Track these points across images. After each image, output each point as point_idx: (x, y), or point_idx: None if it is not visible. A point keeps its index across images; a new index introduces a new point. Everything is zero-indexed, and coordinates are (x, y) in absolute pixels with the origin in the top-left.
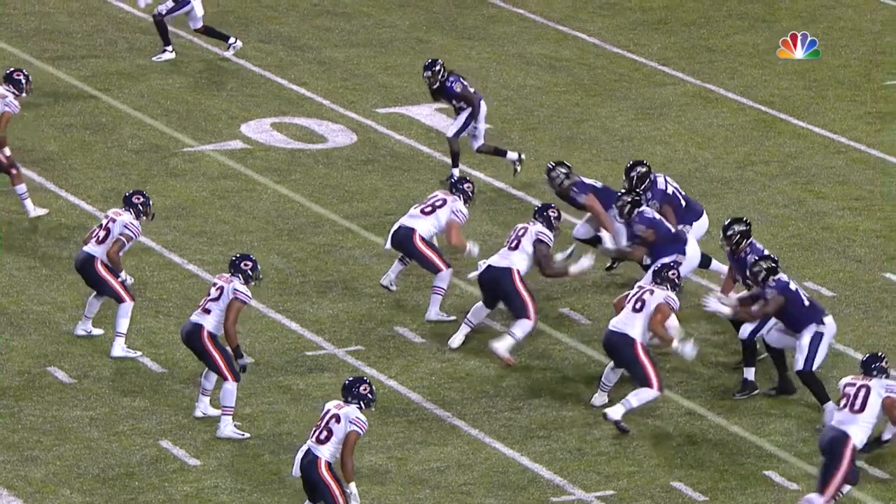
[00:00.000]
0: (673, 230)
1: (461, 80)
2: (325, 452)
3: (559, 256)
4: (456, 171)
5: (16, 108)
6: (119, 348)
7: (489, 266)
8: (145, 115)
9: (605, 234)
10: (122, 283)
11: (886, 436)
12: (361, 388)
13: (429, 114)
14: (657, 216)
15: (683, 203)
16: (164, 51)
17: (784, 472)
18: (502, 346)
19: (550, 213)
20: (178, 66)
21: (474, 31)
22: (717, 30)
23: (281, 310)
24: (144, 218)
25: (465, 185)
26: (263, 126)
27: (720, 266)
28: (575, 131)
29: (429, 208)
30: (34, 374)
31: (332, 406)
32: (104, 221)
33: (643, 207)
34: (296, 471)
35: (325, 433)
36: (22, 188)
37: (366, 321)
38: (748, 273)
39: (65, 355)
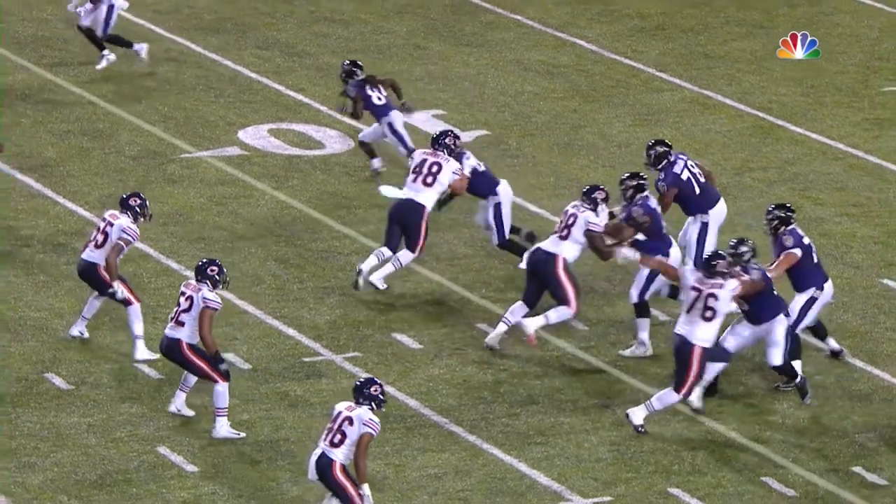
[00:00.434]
0: (664, 228)
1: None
2: (340, 455)
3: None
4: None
5: None
6: (142, 351)
7: (538, 248)
8: (143, 121)
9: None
10: (128, 285)
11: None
12: (372, 388)
13: (426, 119)
14: (658, 208)
15: (698, 190)
16: (102, 56)
17: (781, 479)
18: (532, 323)
19: (598, 196)
20: (175, 73)
21: (472, 37)
22: (714, 36)
23: (278, 316)
24: (142, 220)
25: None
26: (261, 132)
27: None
28: (573, 137)
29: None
30: (31, 381)
31: (343, 408)
32: (101, 225)
33: (646, 193)
34: (311, 475)
35: (338, 436)
36: None
37: (363, 327)
38: (765, 225)
39: (62, 361)
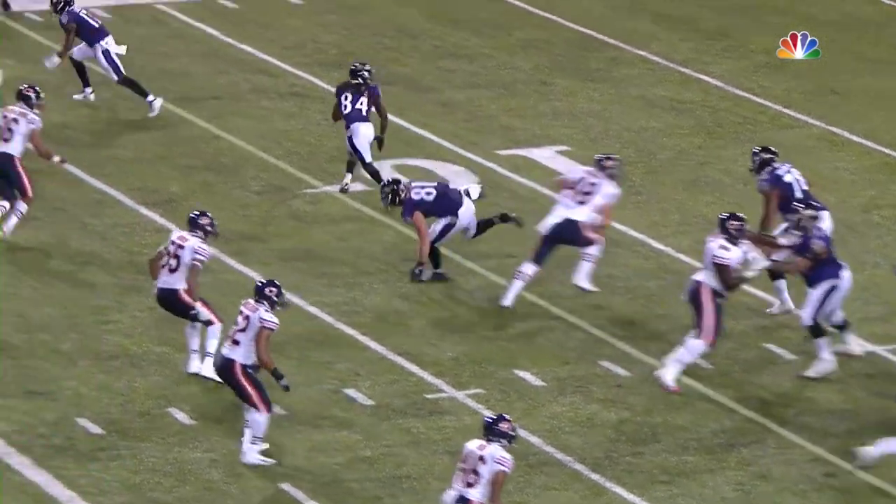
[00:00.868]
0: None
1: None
2: (476, 495)
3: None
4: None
5: (38, 122)
6: (208, 369)
7: (690, 278)
8: (268, 155)
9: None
10: (209, 306)
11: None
12: (503, 425)
13: (550, 156)
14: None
15: (800, 196)
16: (84, 92)
17: None
18: (669, 373)
19: (730, 226)
20: (300, 108)
21: (597, 73)
22: (842, 73)
23: (401, 352)
24: (212, 237)
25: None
26: (384, 168)
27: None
28: (698, 174)
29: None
30: (155, 415)
31: (474, 447)
32: (171, 248)
33: (819, 222)
34: None
35: (472, 476)
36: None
37: (486, 364)
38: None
39: (185, 396)
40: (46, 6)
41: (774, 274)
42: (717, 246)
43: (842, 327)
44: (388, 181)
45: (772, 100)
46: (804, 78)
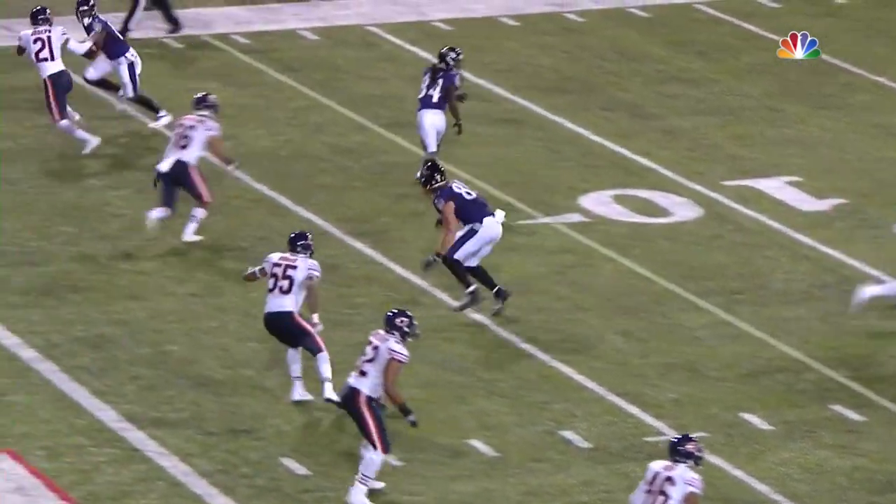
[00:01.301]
0: None
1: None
2: None
3: None
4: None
5: (217, 129)
6: (329, 391)
7: None
8: (482, 183)
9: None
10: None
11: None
12: (690, 445)
13: (779, 187)
14: None
15: None
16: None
17: None
18: None
19: None
20: (516, 134)
21: (830, 99)
22: None
23: (620, 392)
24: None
25: None
26: (604, 198)
27: None
28: None
29: None
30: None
31: (660, 468)
32: (279, 271)
33: None
34: None
35: (660, 498)
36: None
37: (709, 406)
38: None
39: (394, 435)
40: (246, 29)
41: None
42: None
43: None
44: (431, 163)
45: None
46: None
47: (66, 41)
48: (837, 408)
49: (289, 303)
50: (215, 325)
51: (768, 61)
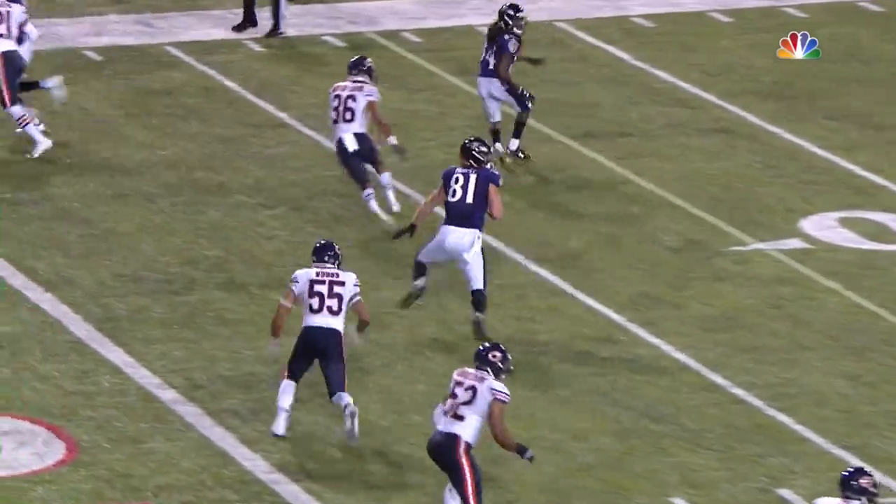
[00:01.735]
0: None
1: None
2: None
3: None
4: None
5: (376, 93)
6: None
7: None
8: (686, 203)
9: None
10: None
11: None
12: (864, 481)
13: None
14: None
15: None
16: None
17: None
18: None
19: None
20: (726, 146)
21: None
22: None
23: (846, 445)
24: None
25: None
26: (828, 221)
27: None
28: None
29: None
30: None
31: None
32: (324, 289)
33: None
34: None
35: None
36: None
37: None
38: None
39: (579, 490)
40: (417, 26)
41: None
42: None
43: None
44: (493, 149)
45: None
46: None
47: (25, 21)
48: None
49: (338, 323)
50: (382, 364)
51: None
